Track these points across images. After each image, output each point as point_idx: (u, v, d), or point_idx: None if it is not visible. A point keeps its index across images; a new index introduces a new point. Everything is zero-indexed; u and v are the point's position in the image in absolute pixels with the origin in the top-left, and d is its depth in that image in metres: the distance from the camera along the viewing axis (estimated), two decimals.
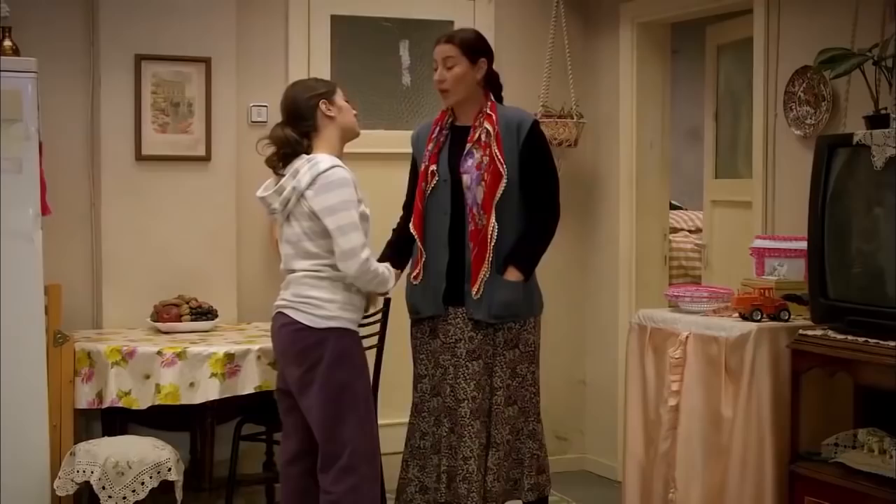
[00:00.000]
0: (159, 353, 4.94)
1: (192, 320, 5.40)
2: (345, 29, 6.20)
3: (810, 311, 4.51)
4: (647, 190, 6.39)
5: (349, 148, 6.12)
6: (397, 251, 4.87)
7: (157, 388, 4.91)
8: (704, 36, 6.49)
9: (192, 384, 4.92)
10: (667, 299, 5.13)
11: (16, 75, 4.80)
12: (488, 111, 4.68)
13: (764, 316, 4.60)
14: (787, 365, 4.47)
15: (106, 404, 5.01)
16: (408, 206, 4.89)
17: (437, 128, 4.80)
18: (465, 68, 4.66)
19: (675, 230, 8.10)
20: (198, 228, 5.71)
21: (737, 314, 4.69)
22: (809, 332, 4.39)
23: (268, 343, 5.03)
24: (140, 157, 5.61)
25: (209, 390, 4.92)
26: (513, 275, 4.64)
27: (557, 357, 6.55)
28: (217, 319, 5.50)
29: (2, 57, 4.87)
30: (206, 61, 5.70)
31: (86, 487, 4.80)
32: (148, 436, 5.06)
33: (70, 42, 5.56)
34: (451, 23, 6.34)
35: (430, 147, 4.76)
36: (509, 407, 4.69)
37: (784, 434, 4.47)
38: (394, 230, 4.96)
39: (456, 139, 4.74)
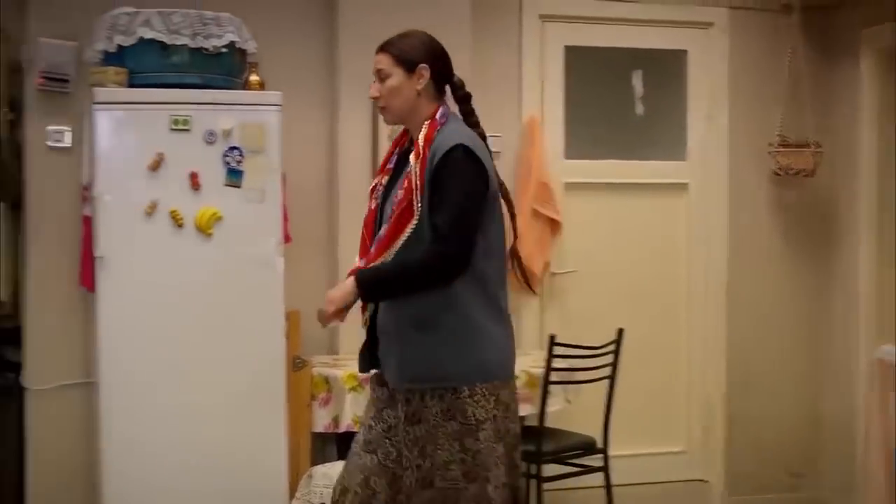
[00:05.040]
0: None
1: None
2: (578, 59, 6.20)
3: None
4: (891, 220, 6.15)
5: (580, 177, 6.16)
6: None
7: None
8: None
9: None
10: None
11: (261, 108, 4.98)
12: (421, 134, 3.59)
13: None
14: None
15: (342, 429, 5.11)
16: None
17: (396, 150, 3.78)
18: (400, 79, 3.62)
19: None
20: None
21: None
22: None
23: None
24: None
25: None
26: (347, 284, 3.67)
27: (792, 392, 6.39)
28: None
29: (249, 91, 5.06)
30: None
31: None
32: None
33: (312, 75, 5.72)
34: (685, 52, 6.28)
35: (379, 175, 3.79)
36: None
37: None
38: None
39: (399, 167, 3.72)
